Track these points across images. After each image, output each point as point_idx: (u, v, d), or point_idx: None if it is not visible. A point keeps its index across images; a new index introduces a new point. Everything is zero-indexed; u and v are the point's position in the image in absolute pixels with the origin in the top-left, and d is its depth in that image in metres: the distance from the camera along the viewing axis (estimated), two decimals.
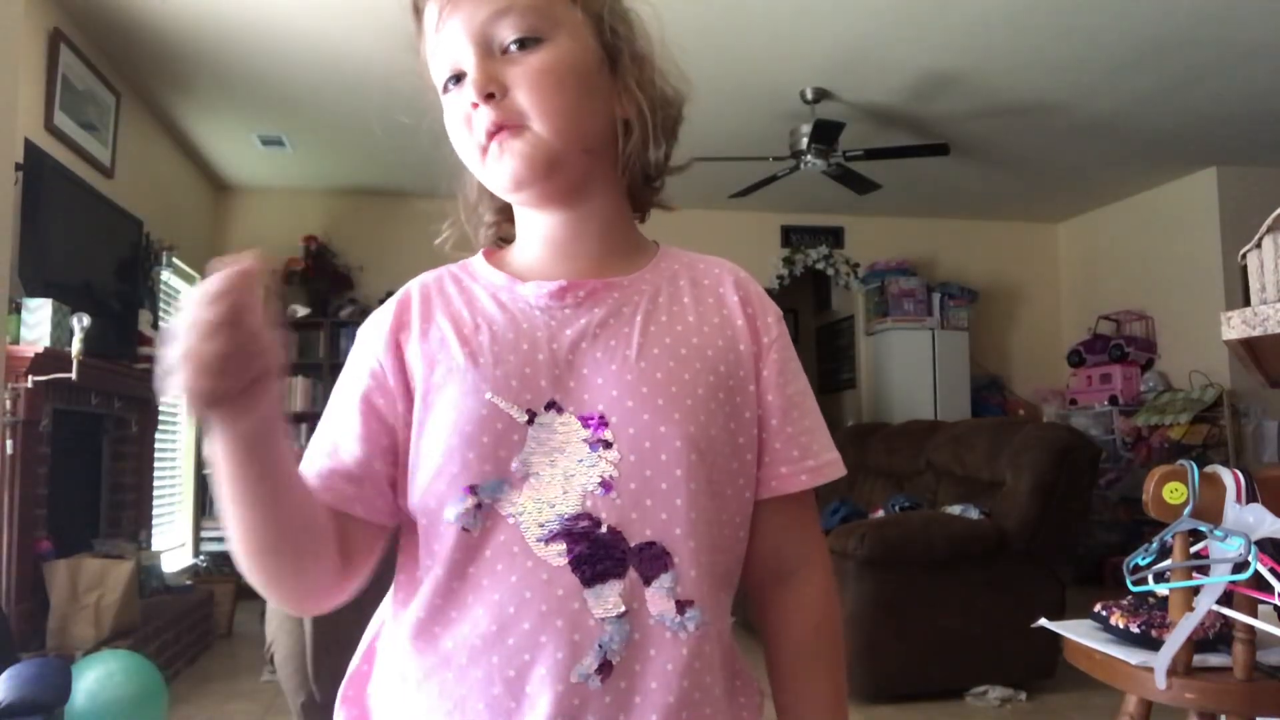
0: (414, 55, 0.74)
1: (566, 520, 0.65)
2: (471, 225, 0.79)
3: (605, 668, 0.63)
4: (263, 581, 0.65)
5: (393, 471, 0.70)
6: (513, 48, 0.68)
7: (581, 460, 0.66)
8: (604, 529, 0.65)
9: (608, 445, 0.66)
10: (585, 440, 0.66)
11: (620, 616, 0.64)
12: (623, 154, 0.73)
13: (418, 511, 0.69)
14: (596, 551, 0.64)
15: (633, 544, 0.65)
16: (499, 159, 0.69)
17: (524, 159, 0.68)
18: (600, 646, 0.63)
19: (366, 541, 0.70)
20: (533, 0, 0.68)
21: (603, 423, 0.66)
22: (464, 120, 0.69)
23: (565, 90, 0.68)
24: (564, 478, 0.65)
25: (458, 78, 0.69)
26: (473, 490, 0.65)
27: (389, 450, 0.70)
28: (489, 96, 0.67)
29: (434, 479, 0.67)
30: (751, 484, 0.72)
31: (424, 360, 0.70)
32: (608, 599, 0.64)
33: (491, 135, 0.68)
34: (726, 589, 0.71)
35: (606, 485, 0.65)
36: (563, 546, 0.64)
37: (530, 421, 0.66)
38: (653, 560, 0.65)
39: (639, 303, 0.72)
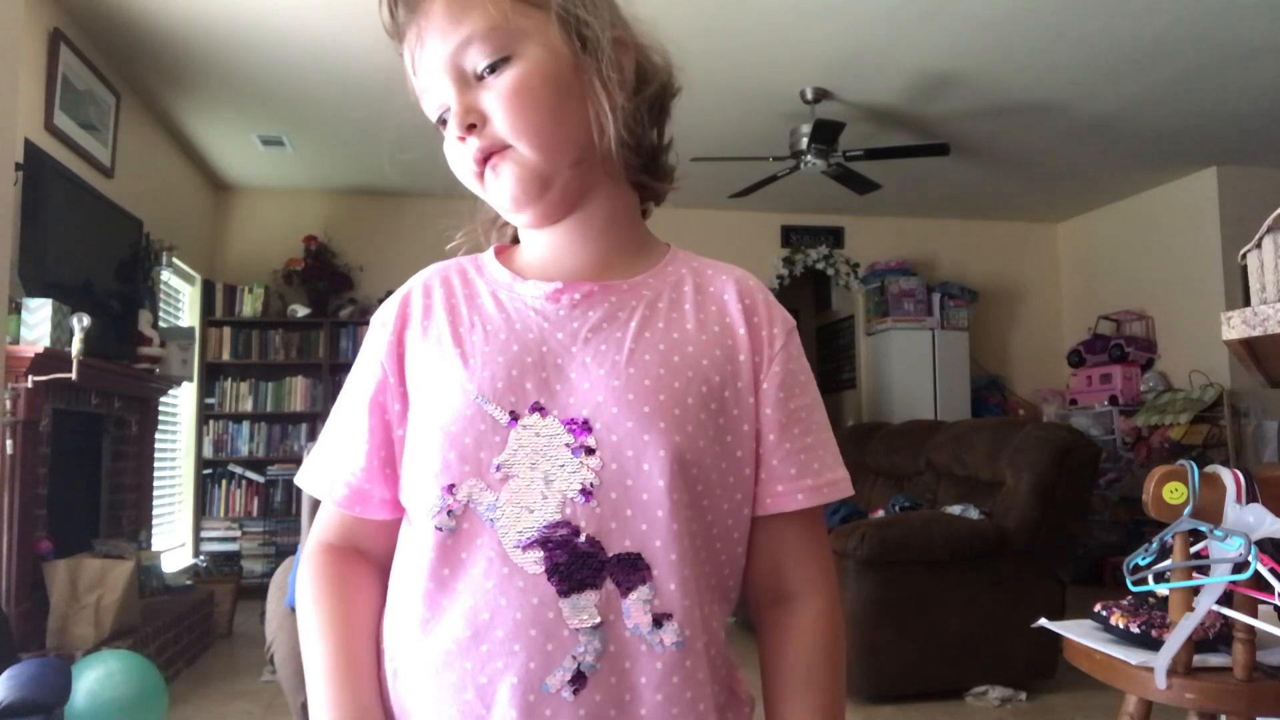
0: (407, 84, 0.74)
1: (545, 527, 0.64)
2: (487, 239, 0.79)
3: (579, 679, 0.62)
4: None
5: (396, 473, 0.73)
6: (485, 73, 0.67)
7: (563, 465, 0.64)
8: (583, 538, 0.64)
9: (590, 451, 0.65)
10: (567, 445, 0.65)
11: (595, 628, 0.63)
12: (599, 143, 0.70)
13: (405, 508, 0.71)
14: (574, 561, 0.63)
15: (611, 554, 0.64)
16: (495, 183, 0.69)
17: (516, 180, 0.68)
18: (574, 658, 0.62)
19: (396, 533, 0.73)
20: (491, 22, 0.66)
21: (586, 428, 0.65)
22: (458, 151, 0.70)
23: (540, 105, 0.67)
24: (544, 482, 0.64)
25: (446, 111, 0.70)
26: (451, 490, 0.65)
27: (397, 452, 0.72)
28: (470, 127, 0.68)
29: (416, 477, 0.68)
30: (750, 499, 0.70)
31: (421, 357, 0.71)
32: (583, 610, 0.63)
33: (482, 163, 0.69)
34: (717, 604, 0.69)
35: (587, 493, 0.64)
36: (540, 554, 0.63)
37: (513, 423, 0.66)
38: (630, 571, 0.64)
39: (636, 308, 0.70)
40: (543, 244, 0.74)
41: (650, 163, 0.75)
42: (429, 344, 0.71)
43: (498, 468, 0.65)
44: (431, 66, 0.68)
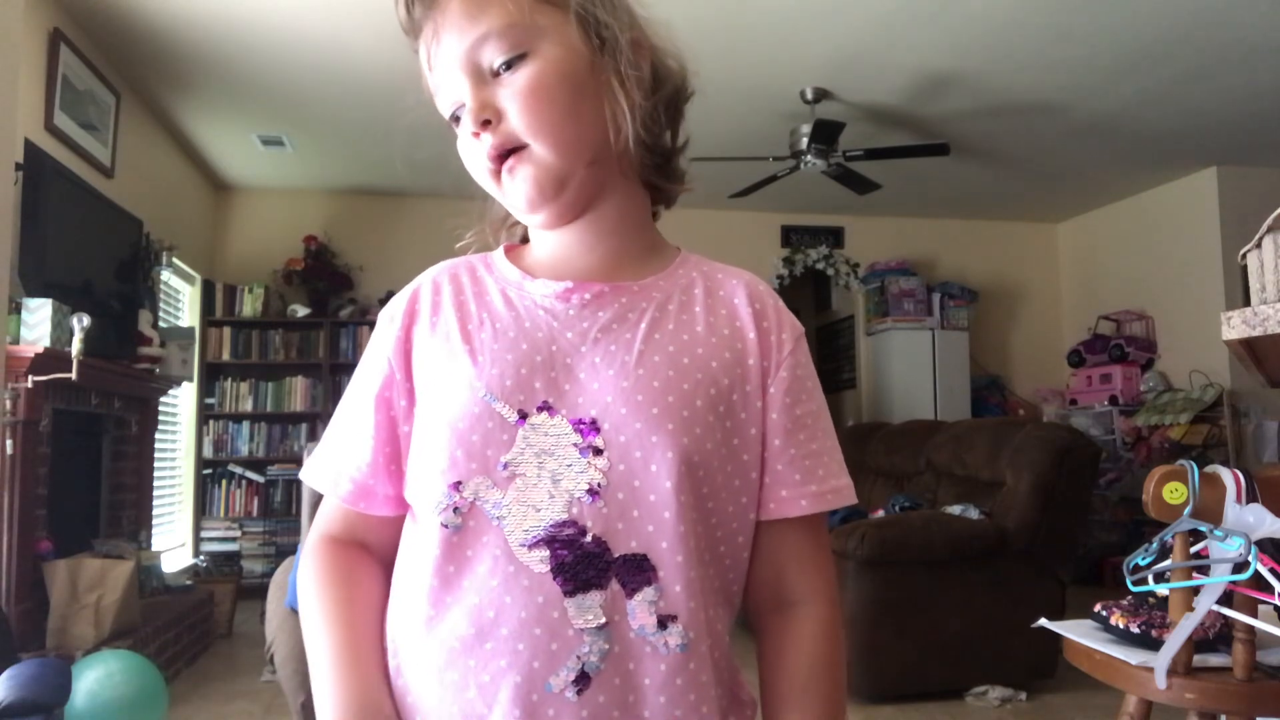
0: (421, 78, 0.73)
1: (551, 526, 0.64)
2: (496, 239, 0.79)
3: (582, 679, 0.62)
4: None
5: (402, 470, 0.72)
6: (501, 70, 0.67)
7: (570, 465, 0.64)
8: (589, 538, 0.63)
9: (598, 452, 0.64)
10: (575, 445, 0.65)
11: (600, 628, 0.63)
12: (615, 142, 0.70)
13: (410, 504, 0.71)
14: (579, 560, 0.63)
15: (617, 554, 0.64)
16: (511, 184, 0.69)
17: (532, 181, 0.68)
18: (578, 658, 0.62)
19: (399, 529, 0.73)
20: (509, 19, 0.66)
21: (594, 428, 0.65)
22: (472, 148, 0.69)
23: (556, 103, 0.67)
24: (551, 481, 0.64)
25: (460, 108, 0.69)
26: (457, 487, 0.65)
27: (403, 448, 0.72)
28: (485, 123, 0.67)
29: (422, 473, 0.68)
30: (755, 503, 0.70)
31: (429, 353, 0.71)
32: (588, 609, 0.63)
33: (498, 160, 0.68)
34: (722, 607, 0.69)
35: (594, 492, 0.64)
36: (546, 553, 0.63)
37: (521, 422, 0.65)
38: (636, 572, 0.64)
39: (646, 309, 0.70)
40: (553, 243, 0.74)
41: (664, 164, 0.75)
42: (437, 340, 0.71)
43: (505, 466, 0.65)
44: (447, 63, 0.68)
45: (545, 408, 0.66)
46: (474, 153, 0.70)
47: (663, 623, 0.64)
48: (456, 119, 0.70)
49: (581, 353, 0.68)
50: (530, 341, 0.68)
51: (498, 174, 0.69)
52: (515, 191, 0.69)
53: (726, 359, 0.70)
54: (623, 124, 0.70)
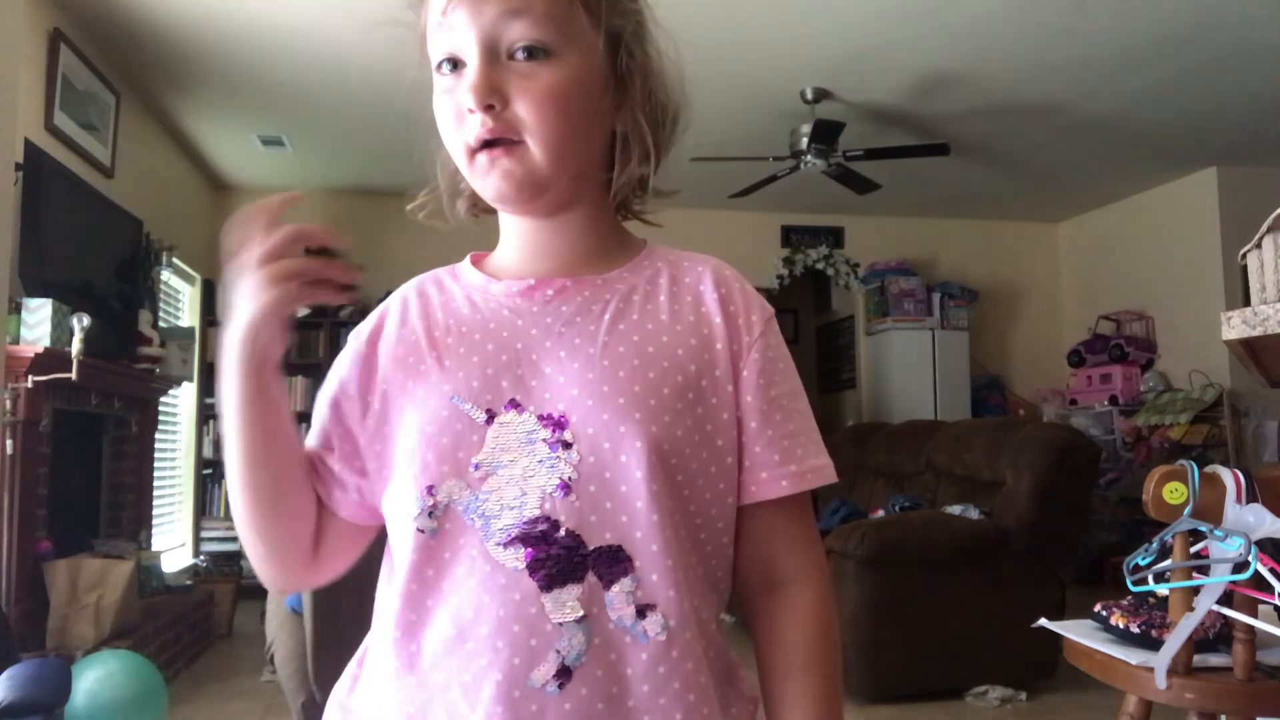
0: (408, 12, 0.71)
1: (524, 523, 0.64)
2: (449, 194, 0.77)
3: (564, 673, 0.62)
4: (249, 534, 0.71)
5: (350, 476, 0.72)
6: (520, 54, 0.66)
7: (541, 461, 0.64)
8: (562, 532, 0.64)
9: (567, 446, 0.65)
10: (545, 440, 0.65)
11: (579, 621, 0.63)
12: (617, 178, 0.72)
13: (387, 514, 0.71)
14: (554, 556, 0.63)
15: (591, 547, 0.64)
16: (487, 172, 0.68)
17: (512, 179, 0.67)
18: (557, 652, 0.62)
19: (334, 537, 0.74)
20: (550, 9, 0.65)
21: (562, 422, 0.65)
22: (456, 116, 0.68)
23: (569, 115, 0.67)
24: (523, 478, 0.64)
25: (454, 62, 0.68)
26: (431, 491, 0.65)
27: (351, 455, 0.72)
28: (489, 107, 0.66)
29: (398, 481, 0.68)
30: (734, 488, 0.70)
31: (395, 365, 0.71)
32: (566, 603, 0.63)
33: (484, 144, 0.67)
34: (706, 594, 0.69)
35: (565, 487, 0.64)
36: (521, 550, 0.63)
37: (489, 422, 0.66)
38: (612, 564, 0.64)
39: (610, 301, 0.70)
40: (517, 243, 0.75)
41: (641, 191, 0.76)
42: (403, 351, 0.71)
43: (477, 466, 0.65)
44: (464, 20, 0.66)
45: (513, 405, 0.66)
46: (461, 122, 0.68)
47: (641, 612, 0.64)
48: (440, 66, 0.68)
49: (546, 348, 0.68)
50: (496, 341, 0.69)
51: (475, 155, 0.68)
52: (490, 180, 0.68)
53: (693, 345, 0.70)
54: (631, 163, 0.71)
